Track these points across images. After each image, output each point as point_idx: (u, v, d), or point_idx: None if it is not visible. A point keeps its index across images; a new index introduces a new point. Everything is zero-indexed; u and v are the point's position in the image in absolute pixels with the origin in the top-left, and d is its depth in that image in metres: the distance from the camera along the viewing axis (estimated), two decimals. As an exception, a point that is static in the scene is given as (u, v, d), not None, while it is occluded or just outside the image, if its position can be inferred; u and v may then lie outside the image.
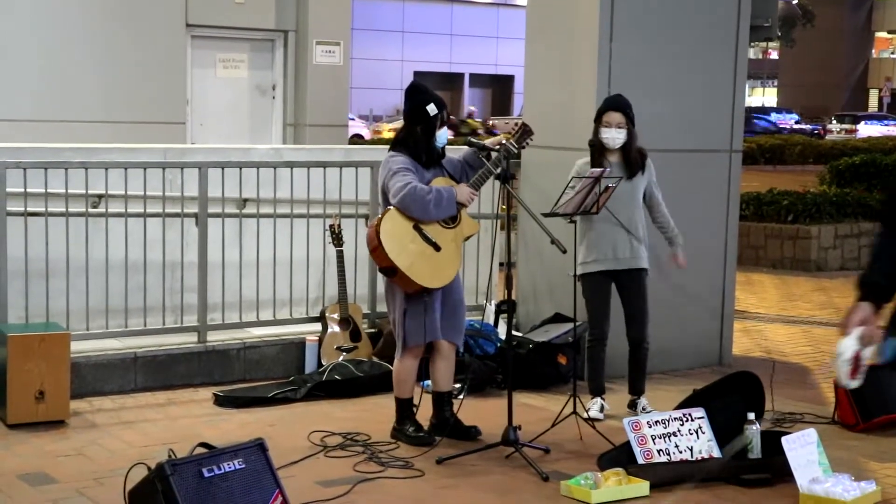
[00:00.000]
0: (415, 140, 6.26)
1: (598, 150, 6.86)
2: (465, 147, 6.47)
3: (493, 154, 6.29)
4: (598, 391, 7.01)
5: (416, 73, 51.53)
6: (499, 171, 6.21)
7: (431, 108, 6.23)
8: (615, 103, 6.89)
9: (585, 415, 6.57)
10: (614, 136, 6.81)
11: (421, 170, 6.22)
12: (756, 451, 5.97)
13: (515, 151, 6.41)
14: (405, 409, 6.43)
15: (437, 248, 6.16)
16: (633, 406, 7.00)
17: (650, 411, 6.81)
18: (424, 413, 6.49)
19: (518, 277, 8.42)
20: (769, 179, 23.28)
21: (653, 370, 7.96)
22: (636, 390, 7.04)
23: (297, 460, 5.96)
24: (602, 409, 6.96)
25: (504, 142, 6.32)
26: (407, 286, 6.15)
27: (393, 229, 6.08)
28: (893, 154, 18.66)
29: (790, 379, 8.17)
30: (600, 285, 6.89)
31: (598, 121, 6.87)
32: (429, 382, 6.74)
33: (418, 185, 6.06)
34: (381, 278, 8.22)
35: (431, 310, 6.20)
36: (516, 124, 6.48)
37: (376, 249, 6.08)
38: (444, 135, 6.30)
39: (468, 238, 6.42)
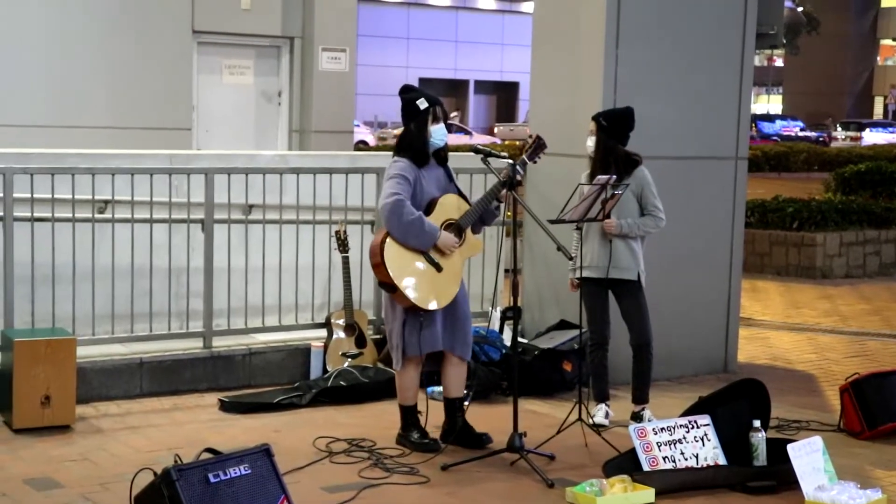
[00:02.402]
0: (410, 138, 6.25)
1: (591, 159, 6.91)
2: (472, 154, 6.45)
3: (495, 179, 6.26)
4: (602, 397, 7.01)
5: (422, 80, 51.56)
6: (494, 205, 6.22)
7: (422, 103, 6.21)
8: (597, 112, 6.99)
9: (591, 421, 6.57)
10: (587, 144, 6.89)
11: (420, 172, 6.20)
12: (762, 459, 5.97)
13: (527, 166, 6.39)
14: (409, 415, 6.42)
15: (438, 268, 6.16)
16: (637, 419, 6.92)
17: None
18: (435, 420, 6.47)
19: (523, 284, 8.42)
20: (774, 187, 23.29)
21: (658, 377, 7.96)
22: (639, 399, 7.01)
23: (303, 466, 5.96)
24: (607, 415, 6.95)
25: (512, 162, 6.30)
26: (405, 304, 6.15)
27: (397, 247, 6.08)
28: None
29: (795, 386, 8.17)
30: (592, 291, 6.89)
31: None
32: (433, 389, 6.75)
33: (407, 202, 6.04)
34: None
35: (430, 322, 6.19)
36: (530, 136, 6.48)
37: (379, 266, 6.08)
38: (440, 131, 6.25)
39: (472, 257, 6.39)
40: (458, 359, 6.38)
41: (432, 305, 6.14)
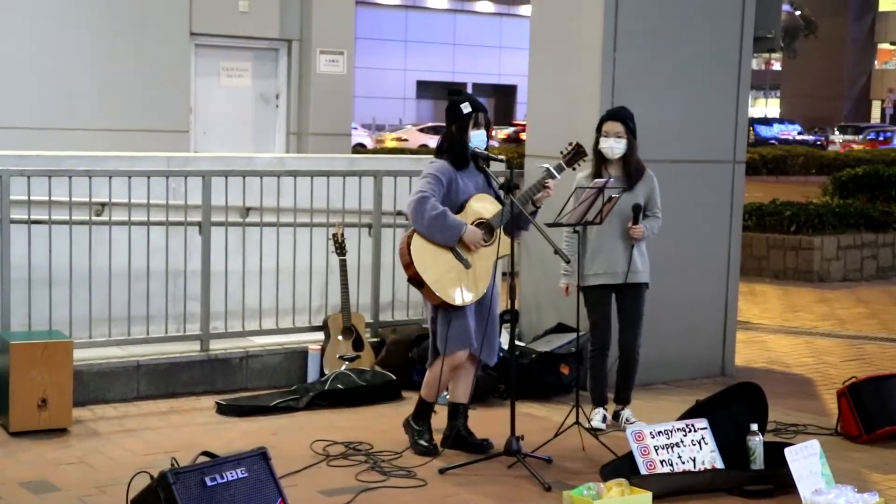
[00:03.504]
0: (450, 140, 6.26)
1: (599, 161, 6.86)
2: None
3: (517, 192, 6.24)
4: (600, 401, 7.00)
5: (419, 83, 51.63)
6: (529, 209, 6.21)
7: (465, 107, 6.24)
8: (615, 113, 6.91)
9: (588, 425, 6.56)
10: (612, 146, 6.80)
11: (457, 175, 6.20)
12: (759, 462, 5.97)
13: (563, 171, 6.39)
14: (424, 407, 6.41)
15: (467, 265, 6.15)
16: (616, 417, 6.98)
17: (633, 422, 6.80)
18: (436, 423, 6.46)
19: (521, 287, 8.42)
20: (772, 190, 23.31)
21: (655, 380, 7.99)
22: (622, 399, 7.03)
23: (300, 469, 5.95)
24: (605, 419, 6.95)
25: (548, 167, 6.30)
26: (432, 299, 6.15)
27: (424, 243, 6.08)
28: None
29: (793, 390, 8.17)
30: (601, 298, 6.88)
31: (599, 130, 6.88)
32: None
33: (431, 199, 6.05)
34: (385, 288, 8.26)
35: (459, 319, 6.16)
36: (570, 144, 6.49)
37: (409, 265, 6.07)
38: (480, 136, 6.26)
39: (502, 258, 6.35)
40: (472, 364, 6.37)
41: (459, 301, 6.13)
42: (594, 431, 6.54)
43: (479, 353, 6.31)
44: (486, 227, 6.20)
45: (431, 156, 6.45)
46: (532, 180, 6.45)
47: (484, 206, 6.23)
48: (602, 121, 6.90)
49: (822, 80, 59.60)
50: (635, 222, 6.77)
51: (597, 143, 6.86)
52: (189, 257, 7.74)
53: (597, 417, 6.92)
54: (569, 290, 6.94)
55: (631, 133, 6.82)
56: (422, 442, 6.34)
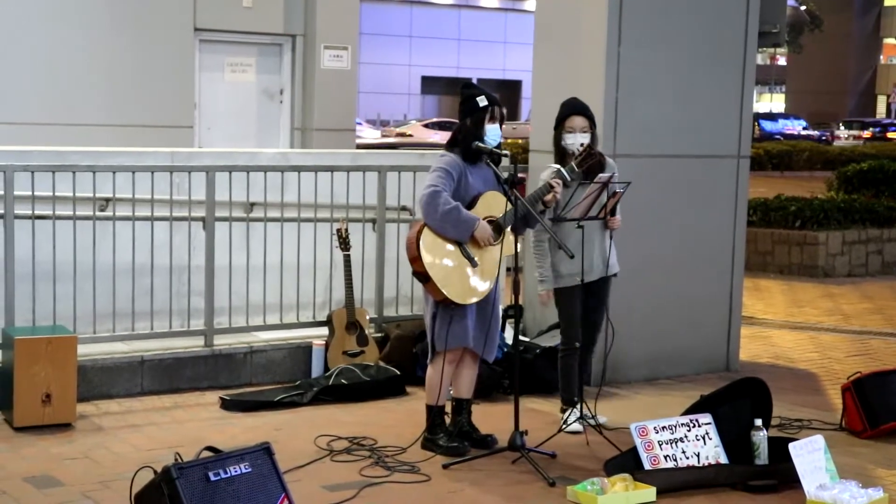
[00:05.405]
0: (464, 133, 6.20)
1: (562, 156, 6.70)
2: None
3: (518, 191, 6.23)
4: (575, 401, 6.79)
5: (424, 78, 51.60)
6: (539, 208, 6.20)
7: (482, 100, 6.20)
8: (579, 108, 6.77)
9: (572, 425, 6.53)
10: (579, 141, 6.64)
11: (467, 169, 6.16)
12: (763, 458, 5.96)
13: (576, 174, 6.38)
14: (435, 417, 6.33)
15: (474, 263, 6.14)
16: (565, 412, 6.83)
17: (604, 419, 6.76)
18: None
19: (525, 282, 8.40)
20: (777, 185, 23.28)
21: (660, 375, 7.98)
22: (578, 396, 6.80)
23: (304, 464, 5.96)
24: (581, 419, 6.68)
25: (561, 168, 6.28)
26: (436, 295, 6.12)
27: (433, 238, 6.06)
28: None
29: (797, 385, 8.16)
30: (576, 297, 6.75)
31: (560, 126, 6.75)
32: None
33: (444, 193, 6.03)
34: (388, 283, 8.25)
35: (461, 317, 6.15)
36: (581, 145, 6.48)
37: (416, 260, 6.05)
38: (494, 130, 6.20)
39: (507, 256, 6.28)
40: (474, 360, 6.36)
41: (464, 300, 6.11)
42: (599, 426, 6.51)
43: (480, 351, 6.30)
44: (495, 225, 6.18)
45: (442, 149, 6.43)
46: (537, 175, 6.44)
47: (493, 203, 6.20)
48: (564, 116, 6.75)
49: (828, 75, 59.48)
50: (612, 214, 6.71)
51: (559, 138, 6.74)
52: (193, 253, 7.74)
53: (573, 418, 6.71)
54: (548, 297, 6.74)
55: (593, 125, 6.75)
56: (451, 444, 6.23)
